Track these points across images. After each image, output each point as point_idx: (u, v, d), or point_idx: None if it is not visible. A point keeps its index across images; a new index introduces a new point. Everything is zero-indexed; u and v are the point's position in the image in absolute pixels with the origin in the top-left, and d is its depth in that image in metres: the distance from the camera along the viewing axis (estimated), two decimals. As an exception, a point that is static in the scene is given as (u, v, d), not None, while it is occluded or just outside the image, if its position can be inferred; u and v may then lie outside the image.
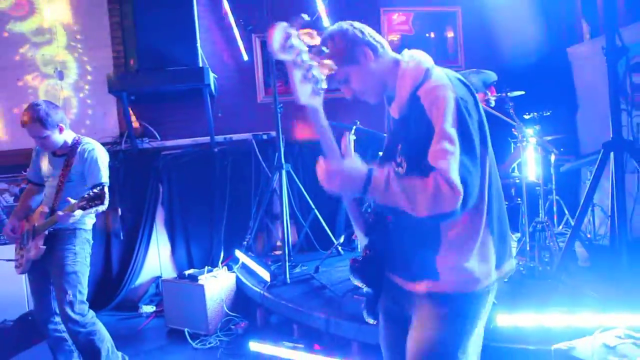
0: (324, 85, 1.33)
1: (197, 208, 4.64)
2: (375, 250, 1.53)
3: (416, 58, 1.49)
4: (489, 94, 3.40)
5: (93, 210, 2.46)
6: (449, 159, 1.27)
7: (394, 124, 1.55)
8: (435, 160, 1.28)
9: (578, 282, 2.94)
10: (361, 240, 1.59)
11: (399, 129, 1.48)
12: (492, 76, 3.34)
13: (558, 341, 2.14)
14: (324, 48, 1.42)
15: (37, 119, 2.57)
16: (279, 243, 4.70)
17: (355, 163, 1.35)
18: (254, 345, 3.20)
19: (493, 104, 3.54)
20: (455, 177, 1.25)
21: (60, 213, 2.51)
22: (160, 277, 4.60)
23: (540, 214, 3.64)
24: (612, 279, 2.75)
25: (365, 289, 1.59)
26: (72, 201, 2.46)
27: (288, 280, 3.62)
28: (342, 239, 4.22)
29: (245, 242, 4.39)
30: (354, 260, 1.54)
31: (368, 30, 1.52)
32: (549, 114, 3.54)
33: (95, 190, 2.46)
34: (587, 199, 2.69)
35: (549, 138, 3.70)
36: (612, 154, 2.63)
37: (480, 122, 1.41)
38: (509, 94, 3.30)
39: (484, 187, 1.42)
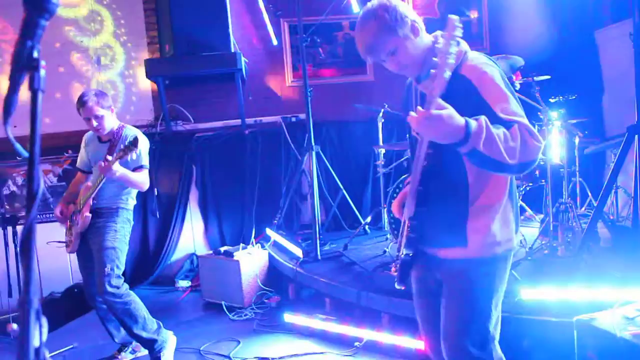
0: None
1: (228, 189, 4.87)
2: (419, 220, 1.68)
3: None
4: (514, 78, 3.50)
5: (129, 156, 2.65)
6: (522, 115, 1.41)
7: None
8: (510, 116, 1.40)
9: (600, 261, 3.08)
10: (407, 212, 1.74)
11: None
12: (519, 61, 3.43)
13: (579, 314, 2.30)
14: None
15: (95, 99, 2.78)
16: (307, 222, 4.93)
17: (453, 111, 1.34)
18: (289, 317, 3.43)
19: (518, 87, 3.64)
20: (533, 128, 1.39)
21: (102, 164, 2.65)
22: (195, 253, 4.87)
23: (564, 195, 3.77)
24: (634, 259, 2.89)
25: (403, 254, 1.76)
26: (110, 157, 2.64)
27: (319, 257, 3.83)
28: (369, 219, 4.40)
29: (276, 221, 4.61)
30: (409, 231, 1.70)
31: (411, 9, 1.64)
32: (574, 97, 3.63)
33: (129, 141, 2.64)
34: (611, 180, 2.82)
35: (574, 121, 3.79)
36: (636, 137, 2.73)
37: None
38: (535, 78, 3.40)
39: None
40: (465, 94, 1.42)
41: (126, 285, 2.91)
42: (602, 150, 4.42)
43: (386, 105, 4.27)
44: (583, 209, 4.29)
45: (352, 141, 5.06)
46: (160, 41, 4.60)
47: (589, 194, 4.28)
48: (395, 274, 1.89)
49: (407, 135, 1.94)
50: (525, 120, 1.41)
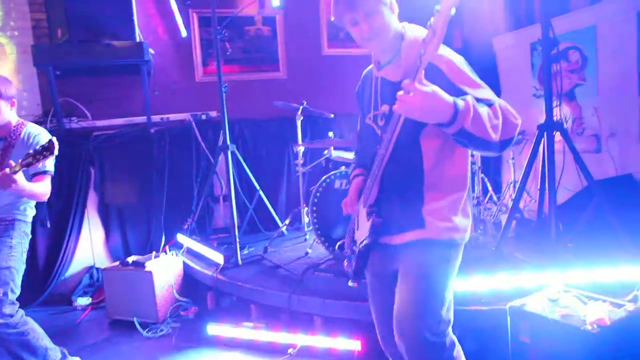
0: None
1: (133, 192, 4.46)
2: (381, 207, 1.69)
3: (420, 29, 1.64)
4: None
5: (40, 164, 2.20)
6: (496, 96, 1.47)
7: (392, 86, 1.63)
8: (488, 97, 1.45)
9: (511, 249, 3.35)
10: (368, 200, 1.73)
11: (398, 89, 1.49)
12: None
13: (506, 301, 2.45)
14: None
15: None
16: (221, 225, 4.72)
17: (441, 90, 1.35)
18: (212, 329, 3.22)
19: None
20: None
21: None
22: (94, 266, 4.39)
23: (476, 190, 4.06)
24: (543, 246, 3.17)
25: (362, 245, 1.72)
26: (13, 163, 2.19)
27: (240, 262, 3.67)
28: (288, 220, 4.31)
29: (187, 226, 4.34)
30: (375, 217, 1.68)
31: None
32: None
33: (41, 146, 2.19)
34: (525, 177, 3.06)
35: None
36: (545, 134, 3.00)
37: None
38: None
39: None
40: (436, 82, 1.42)
41: (22, 312, 2.49)
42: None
43: (305, 103, 4.23)
44: (486, 201, 4.65)
45: (266, 140, 4.95)
46: (50, 25, 4.06)
47: (490, 188, 4.65)
48: (348, 269, 1.85)
49: (359, 123, 1.91)
50: (501, 100, 1.46)
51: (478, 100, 1.41)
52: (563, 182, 3.36)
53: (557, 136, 3.10)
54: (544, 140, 3.00)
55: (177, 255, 3.99)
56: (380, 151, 1.59)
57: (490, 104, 1.42)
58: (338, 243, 3.15)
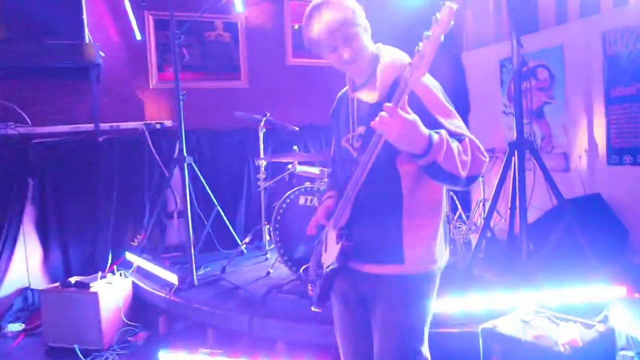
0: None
1: (77, 206, 4.32)
2: (353, 240, 1.70)
3: (395, 52, 1.71)
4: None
5: None
6: (467, 129, 1.54)
7: (368, 108, 1.68)
8: (460, 130, 1.52)
9: (482, 270, 3.46)
10: (338, 222, 1.74)
11: (374, 111, 1.52)
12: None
13: (478, 323, 2.52)
14: None
15: None
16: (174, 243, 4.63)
17: (420, 121, 1.39)
18: (164, 356, 3.12)
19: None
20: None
21: None
22: (29, 287, 4.19)
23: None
24: (514, 266, 3.28)
25: (330, 268, 1.73)
26: None
27: (196, 283, 3.61)
28: (248, 239, 4.28)
29: (137, 243, 4.24)
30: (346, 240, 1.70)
31: None
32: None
33: None
34: (496, 194, 3.17)
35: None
36: (516, 152, 3.13)
37: None
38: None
39: None
40: (413, 108, 1.46)
41: None
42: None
43: (268, 114, 4.24)
44: (455, 220, 4.78)
45: (225, 152, 4.94)
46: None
47: (459, 206, 4.78)
48: (313, 294, 1.85)
49: (333, 145, 1.95)
50: (472, 135, 1.53)
51: (451, 134, 1.48)
52: (532, 200, 3.52)
53: (527, 154, 3.24)
54: (515, 158, 3.12)
55: (125, 275, 3.88)
56: (356, 173, 1.61)
57: (461, 139, 1.49)
58: (303, 267, 3.17)
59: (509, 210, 3.41)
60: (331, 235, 1.80)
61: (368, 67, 1.68)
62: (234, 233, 4.50)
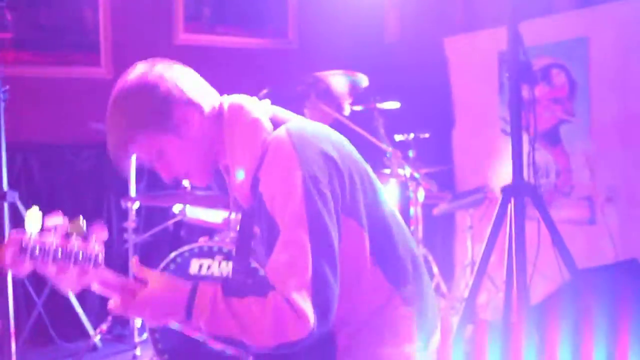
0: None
1: None
2: None
3: (243, 116, 1.71)
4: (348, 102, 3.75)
5: None
6: (293, 273, 1.50)
7: (244, 213, 1.84)
8: (274, 275, 1.53)
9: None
10: None
11: (248, 221, 1.80)
12: (363, 80, 3.68)
13: None
14: None
15: None
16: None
17: (166, 281, 1.60)
18: None
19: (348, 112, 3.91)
20: (300, 297, 1.47)
21: None
22: None
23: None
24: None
25: None
26: None
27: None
28: (104, 325, 4.17)
29: None
30: None
31: (186, 77, 1.75)
32: (427, 136, 4.06)
33: None
34: (482, 263, 3.14)
35: (424, 171, 4.23)
36: (512, 200, 3.11)
37: (352, 184, 1.66)
38: (377, 105, 3.68)
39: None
40: (259, 208, 1.61)
41: None
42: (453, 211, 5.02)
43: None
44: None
45: (73, 183, 4.93)
46: None
47: (436, 271, 4.76)
48: None
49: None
50: (293, 282, 1.50)
51: (266, 271, 1.57)
52: (541, 267, 3.51)
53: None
54: (511, 207, 3.10)
55: None
56: None
57: (265, 292, 1.51)
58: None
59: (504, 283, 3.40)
60: None
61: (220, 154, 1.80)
62: (82, 316, 4.44)
